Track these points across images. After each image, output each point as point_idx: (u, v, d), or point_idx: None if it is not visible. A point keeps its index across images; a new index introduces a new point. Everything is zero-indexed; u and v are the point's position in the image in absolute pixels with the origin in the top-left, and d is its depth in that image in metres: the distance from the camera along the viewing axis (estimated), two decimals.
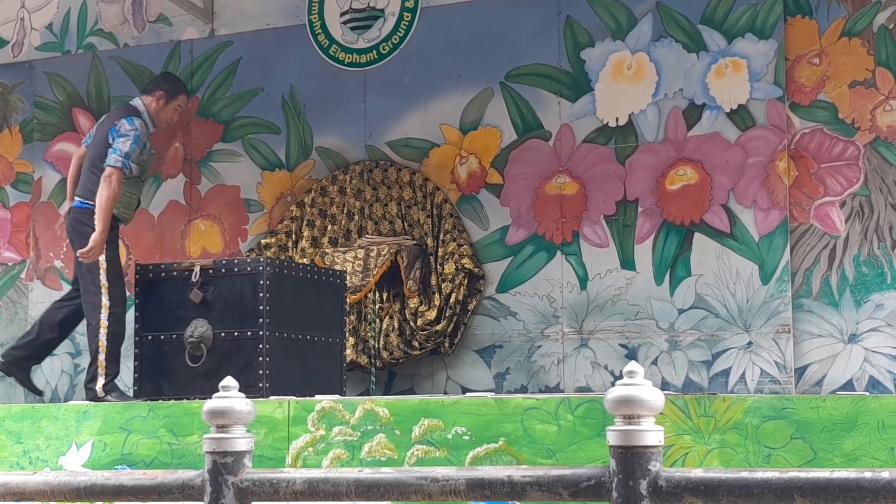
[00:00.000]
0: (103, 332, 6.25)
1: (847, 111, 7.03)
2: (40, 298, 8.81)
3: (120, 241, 6.74)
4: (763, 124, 7.16)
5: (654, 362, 7.20)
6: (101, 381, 6.26)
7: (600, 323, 7.37)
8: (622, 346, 7.31)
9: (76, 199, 6.56)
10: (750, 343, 7.04)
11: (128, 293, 6.59)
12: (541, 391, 7.36)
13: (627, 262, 7.37)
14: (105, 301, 6.28)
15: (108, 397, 6.19)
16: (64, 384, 8.55)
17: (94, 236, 6.25)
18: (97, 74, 8.91)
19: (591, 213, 7.49)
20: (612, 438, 3.20)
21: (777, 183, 7.09)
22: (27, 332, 6.85)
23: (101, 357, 6.26)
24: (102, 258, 6.30)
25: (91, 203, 6.37)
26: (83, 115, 8.92)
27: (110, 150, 6.36)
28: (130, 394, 6.49)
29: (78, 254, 6.29)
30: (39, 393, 7.17)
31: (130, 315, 6.49)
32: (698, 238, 7.23)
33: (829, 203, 7.04)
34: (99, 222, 6.29)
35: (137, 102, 6.66)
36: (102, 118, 6.90)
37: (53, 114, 9.03)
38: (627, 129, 7.47)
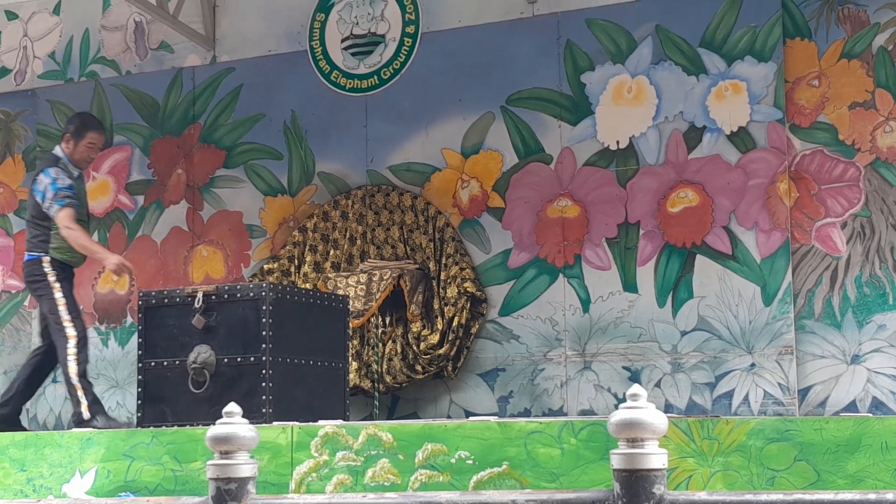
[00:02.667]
0: (72, 359, 6.38)
1: (847, 132, 7.05)
2: None
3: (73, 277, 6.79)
4: (763, 146, 7.18)
5: (658, 384, 7.19)
6: (84, 403, 6.31)
7: (603, 345, 7.37)
8: (625, 368, 7.31)
9: (26, 254, 6.75)
10: (753, 365, 7.04)
11: (130, 319, 6.66)
12: (544, 414, 7.36)
13: (629, 285, 7.37)
14: (71, 332, 6.41)
15: (95, 420, 6.22)
16: (67, 411, 8.54)
17: (107, 262, 6.45)
18: (100, 102, 8.95)
19: (592, 235, 7.50)
20: (615, 462, 3.20)
21: (778, 204, 7.10)
22: (7, 391, 6.87)
23: (75, 381, 6.35)
24: (59, 295, 6.47)
25: (37, 254, 6.57)
26: None
27: (42, 204, 6.50)
28: (134, 421, 6.50)
29: (113, 271, 6.44)
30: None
31: (133, 341, 6.53)
32: (700, 260, 7.24)
33: (830, 224, 7.05)
34: (103, 259, 6.54)
35: (57, 150, 6.74)
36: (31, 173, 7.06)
37: (56, 141, 9.02)
38: (628, 152, 7.49)
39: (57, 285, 6.49)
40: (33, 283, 6.59)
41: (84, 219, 6.66)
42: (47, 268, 6.52)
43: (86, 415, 6.28)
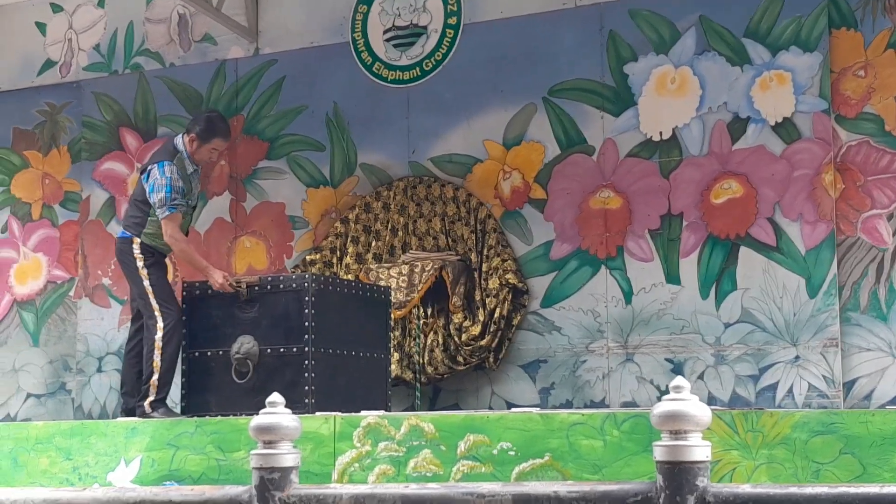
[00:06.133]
0: (157, 353, 6.37)
1: (893, 123, 6.97)
2: (89, 316, 8.91)
3: (168, 262, 6.84)
4: (808, 137, 7.11)
5: (701, 377, 7.15)
6: (150, 398, 6.33)
7: (646, 337, 7.34)
8: (668, 360, 7.27)
9: (121, 229, 6.80)
10: (797, 357, 6.98)
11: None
12: (586, 406, 7.34)
13: (672, 277, 7.33)
14: (160, 323, 6.40)
15: (154, 414, 6.25)
16: (112, 401, 8.63)
17: (211, 278, 6.39)
18: (144, 94, 9.01)
19: (635, 227, 7.47)
20: (658, 454, 3.19)
21: (823, 196, 7.04)
22: (122, 384, 6.84)
23: (155, 377, 6.35)
24: (147, 284, 6.45)
25: (129, 233, 6.58)
26: (130, 134, 9.02)
27: (150, 197, 6.50)
28: (178, 410, 6.55)
29: (218, 287, 6.39)
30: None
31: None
32: (744, 252, 7.19)
33: (876, 216, 6.97)
34: (197, 268, 6.53)
35: (178, 141, 6.71)
36: (152, 152, 7.01)
37: (101, 133, 9.14)
38: (671, 143, 7.45)
39: (145, 271, 6.49)
40: (123, 262, 6.60)
41: (190, 214, 6.68)
42: (136, 250, 6.51)
43: (147, 409, 6.33)
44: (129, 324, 6.87)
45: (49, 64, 9.38)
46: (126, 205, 6.90)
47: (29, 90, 9.41)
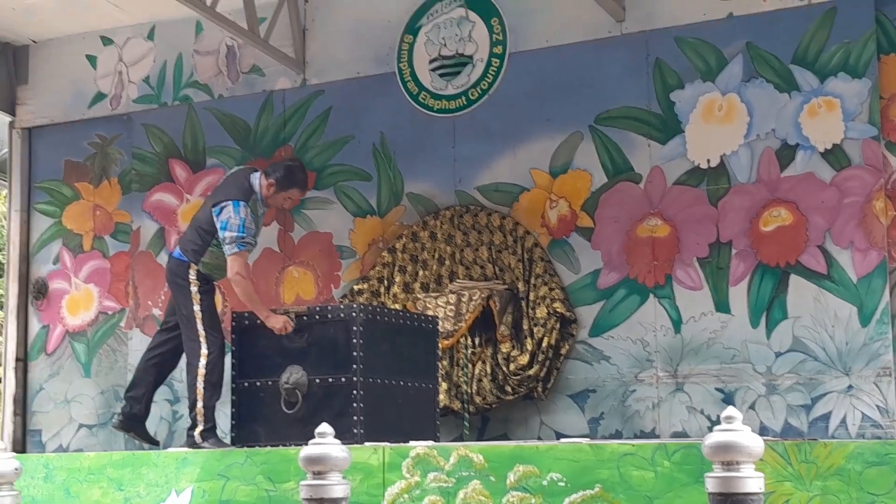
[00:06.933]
0: (201, 380, 6.41)
1: None
2: (139, 346, 8.95)
3: (217, 289, 6.89)
4: (858, 164, 7.05)
5: (752, 407, 7.08)
6: (199, 428, 6.37)
7: (695, 367, 7.28)
8: (718, 390, 7.21)
9: (176, 248, 6.77)
10: (850, 387, 6.90)
11: (225, 341, 6.71)
12: (636, 436, 7.29)
13: (722, 305, 7.28)
14: (203, 350, 6.45)
15: (205, 444, 6.29)
16: (163, 431, 8.67)
17: (269, 322, 6.37)
18: (193, 125, 9.10)
19: (683, 255, 7.43)
20: (711, 485, 3.16)
21: (874, 223, 6.97)
22: (133, 387, 6.94)
23: (200, 405, 6.40)
24: (198, 308, 6.48)
25: (186, 258, 6.59)
26: (180, 165, 9.10)
27: (220, 232, 6.49)
28: (228, 440, 6.58)
29: (278, 330, 6.38)
30: (156, 442, 7.30)
31: (227, 362, 6.60)
32: (794, 280, 7.13)
33: None
34: (257, 311, 6.45)
35: (255, 179, 6.71)
36: (224, 178, 7.04)
37: (151, 165, 9.23)
38: (719, 171, 7.41)
39: (198, 297, 6.54)
40: (176, 283, 6.61)
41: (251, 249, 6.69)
42: (192, 275, 6.57)
43: (198, 439, 6.38)
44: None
45: (100, 96, 9.50)
46: (186, 229, 6.89)
47: (80, 122, 9.53)
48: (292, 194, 6.83)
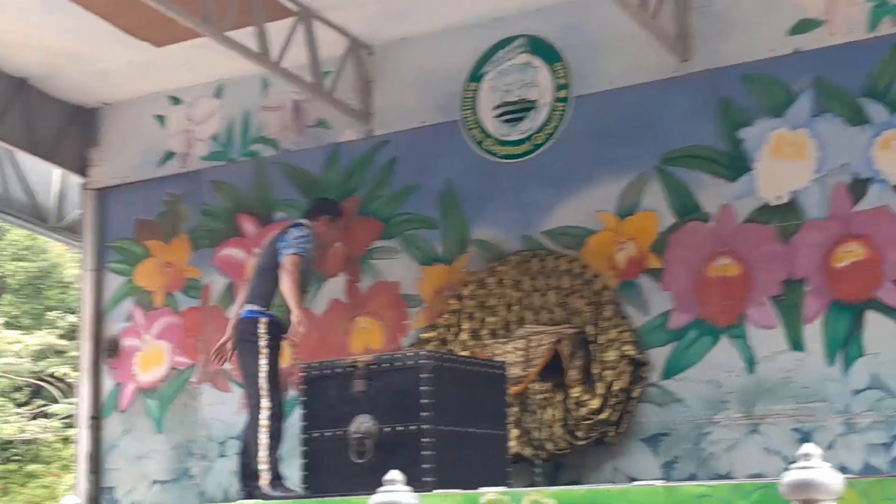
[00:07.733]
0: (264, 431, 6.41)
1: None
2: (210, 400, 9.01)
3: (284, 343, 6.89)
4: None
5: (830, 446, 6.90)
6: (266, 477, 6.35)
7: (771, 407, 7.13)
8: (795, 430, 7.04)
9: (245, 307, 6.78)
10: None
11: (294, 392, 6.74)
12: (711, 480, 7.13)
13: (796, 343, 7.13)
14: (265, 403, 6.47)
15: (275, 493, 6.26)
16: (236, 485, 8.65)
17: (296, 320, 6.53)
18: (260, 180, 9.17)
19: (755, 294, 7.30)
20: None
21: None
22: (244, 462, 6.87)
23: (264, 454, 6.38)
24: (264, 362, 6.51)
25: (255, 312, 6.64)
26: (248, 220, 9.17)
27: (280, 245, 6.65)
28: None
29: (295, 323, 6.51)
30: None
31: (294, 414, 6.61)
32: (871, 316, 6.97)
33: None
34: (293, 307, 6.58)
35: (288, 250, 6.83)
36: (270, 236, 7.15)
37: (219, 220, 9.31)
38: (790, 207, 7.29)
39: (266, 351, 6.61)
40: (245, 340, 6.70)
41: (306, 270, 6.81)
42: (262, 329, 6.65)
43: (266, 489, 6.36)
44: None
45: (169, 155, 9.62)
46: (249, 283, 7.03)
47: (150, 181, 9.66)
48: (324, 222, 6.94)
